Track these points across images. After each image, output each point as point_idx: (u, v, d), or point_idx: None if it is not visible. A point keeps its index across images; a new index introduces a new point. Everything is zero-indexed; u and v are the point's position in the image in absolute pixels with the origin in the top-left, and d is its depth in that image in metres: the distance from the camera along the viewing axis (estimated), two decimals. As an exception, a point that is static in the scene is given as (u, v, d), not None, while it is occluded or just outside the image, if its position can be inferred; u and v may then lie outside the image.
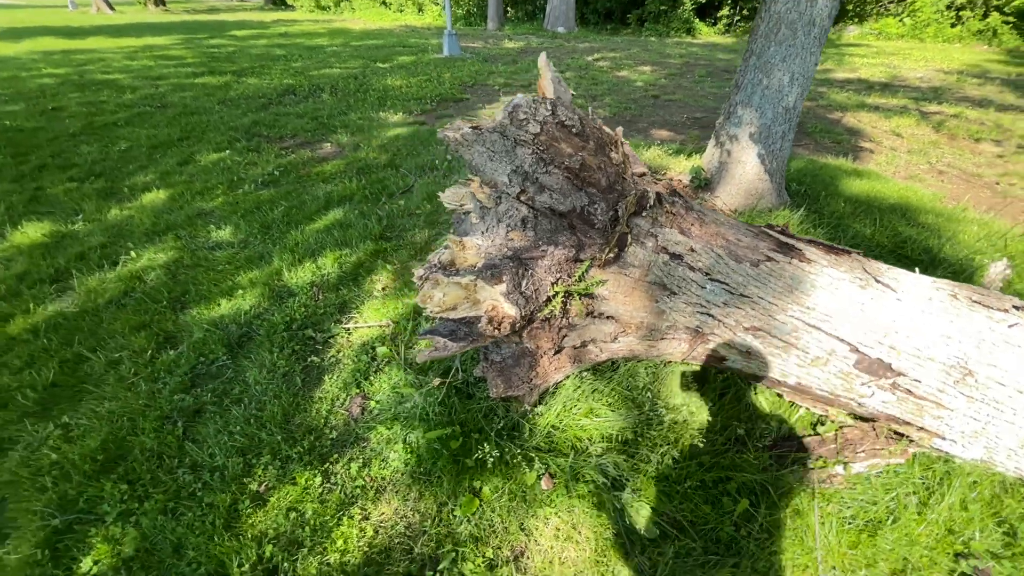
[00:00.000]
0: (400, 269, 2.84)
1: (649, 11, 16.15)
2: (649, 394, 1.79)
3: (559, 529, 1.55)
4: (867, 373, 1.56)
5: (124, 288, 2.71)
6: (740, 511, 1.57)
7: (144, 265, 2.91)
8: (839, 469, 1.66)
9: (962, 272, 2.74)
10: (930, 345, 1.50)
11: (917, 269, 1.74)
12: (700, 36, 15.53)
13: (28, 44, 11.72)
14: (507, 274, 1.46)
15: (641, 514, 1.57)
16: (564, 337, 1.70)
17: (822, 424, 1.84)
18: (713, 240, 1.66)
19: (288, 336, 2.34)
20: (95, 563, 1.47)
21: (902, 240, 3.08)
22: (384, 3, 22.52)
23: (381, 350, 2.22)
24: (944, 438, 1.56)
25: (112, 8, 21.86)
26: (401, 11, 21.49)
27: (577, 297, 1.61)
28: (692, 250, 1.63)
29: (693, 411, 1.79)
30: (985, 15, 13.39)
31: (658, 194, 1.64)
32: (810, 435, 1.81)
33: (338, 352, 2.27)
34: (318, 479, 1.70)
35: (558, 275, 1.56)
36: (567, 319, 1.65)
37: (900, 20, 14.65)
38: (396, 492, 1.67)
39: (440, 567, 1.46)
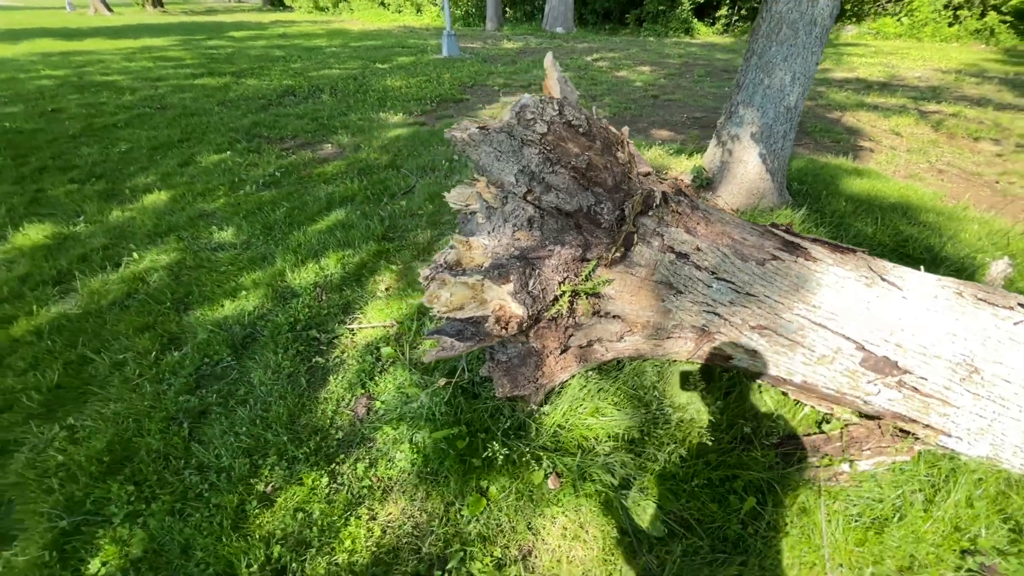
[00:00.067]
0: (403, 269, 2.84)
1: (647, 11, 16.17)
2: (656, 393, 1.80)
3: (567, 528, 1.55)
4: (873, 371, 1.56)
5: (127, 289, 2.71)
6: (747, 509, 1.58)
7: (147, 266, 2.91)
8: (845, 467, 1.66)
9: (964, 270, 2.75)
10: (936, 343, 1.51)
11: (923, 267, 1.74)
12: (698, 36, 15.55)
13: (26, 46, 11.70)
14: (514, 274, 1.47)
15: (648, 513, 1.57)
16: (570, 336, 1.70)
17: (827, 422, 1.84)
18: (719, 239, 1.67)
19: (292, 337, 2.33)
20: (103, 564, 1.47)
21: (903, 239, 3.08)
22: (382, 4, 22.52)
23: (385, 350, 2.22)
24: (950, 435, 1.57)
25: (110, 9, 21.83)
26: (399, 12, 21.50)
27: (584, 296, 1.61)
28: (698, 249, 1.63)
29: (699, 410, 1.80)
30: (982, 14, 13.44)
31: (664, 193, 1.64)
32: (816, 433, 1.81)
33: (342, 353, 2.27)
34: (325, 479, 1.70)
35: (565, 275, 1.56)
36: (574, 318, 1.66)
37: (898, 19, 14.70)
38: (403, 492, 1.67)
39: (448, 566, 1.46)
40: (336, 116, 5.92)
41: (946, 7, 13.92)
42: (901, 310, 1.55)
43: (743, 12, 15.72)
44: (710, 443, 1.72)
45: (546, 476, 1.66)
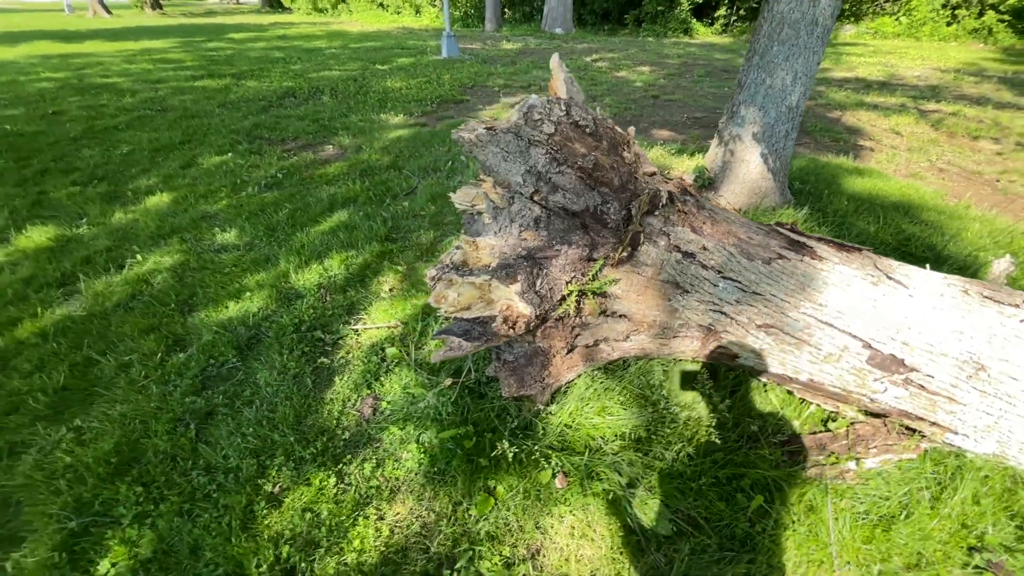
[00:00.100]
0: (407, 270, 2.84)
1: (646, 11, 16.20)
2: (663, 392, 1.80)
3: (574, 527, 1.55)
4: (880, 369, 1.57)
5: (131, 291, 2.71)
6: (754, 507, 1.58)
7: (150, 268, 2.91)
8: (851, 465, 1.67)
9: (966, 269, 2.75)
10: (942, 340, 1.51)
11: (928, 266, 1.75)
12: (697, 36, 15.58)
13: (25, 48, 11.70)
14: (521, 274, 1.47)
15: (656, 511, 1.57)
16: (577, 336, 1.71)
17: (833, 420, 1.85)
18: (725, 238, 1.67)
19: (297, 338, 2.34)
20: (112, 565, 1.47)
21: (906, 238, 3.09)
22: (381, 5, 22.54)
23: (391, 351, 2.22)
24: (957, 433, 1.57)
25: (109, 12, 21.84)
26: (398, 13, 21.54)
27: (590, 296, 1.62)
28: (704, 248, 1.64)
29: (705, 408, 1.80)
30: (980, 13, 13.48)
31: (670, 193, 1.65)
32: (822, 431, 1.82)
33: (348, 353, 2.27)
34: (332, 480, 1.70)
35: (572, 274, 1.57)
36: (580, 318, 1.66)
37: (896, 19, 14.74)
38: (411, 492, 1.68)
39: (457, 566, 1.46)
40: (337, 117, 5.93)
41: (944, 6, 13.96)
42: (907, 308, 1.56)
43: (741, 12, 15.75)
44: (717, 441, 1.72)
45: (553, 475, 1.66)
